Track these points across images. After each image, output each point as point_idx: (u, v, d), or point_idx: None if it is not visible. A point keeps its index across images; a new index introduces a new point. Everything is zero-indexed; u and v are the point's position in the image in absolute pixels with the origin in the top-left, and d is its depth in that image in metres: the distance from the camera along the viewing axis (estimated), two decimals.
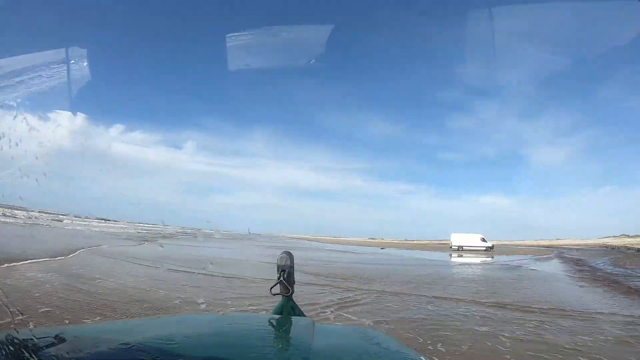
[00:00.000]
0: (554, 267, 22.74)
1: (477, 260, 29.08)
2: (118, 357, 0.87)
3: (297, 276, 1.99)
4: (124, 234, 32.83)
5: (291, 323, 1.50)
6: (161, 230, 52.91)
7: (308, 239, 67.84)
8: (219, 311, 5.64)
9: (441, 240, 60.94)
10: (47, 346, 0.83)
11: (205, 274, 10.81)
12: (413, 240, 67.28)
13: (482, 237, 43.26)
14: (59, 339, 0.88)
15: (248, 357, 0.96)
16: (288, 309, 1.81)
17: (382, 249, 44.77)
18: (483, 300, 8.88)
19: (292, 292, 1.86)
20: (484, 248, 42.04)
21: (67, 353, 0.82)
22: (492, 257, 31.85)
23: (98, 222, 47.60)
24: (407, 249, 46.86)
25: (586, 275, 16.82)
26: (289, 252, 1.94)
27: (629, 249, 38.80)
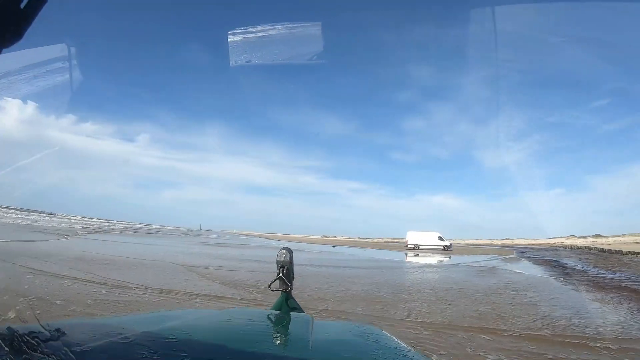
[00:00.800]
0: (531, 269, 18.87)
1: (441, 261, 24.97)
2: (118, 351, 0.87)
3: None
4: (52, 228, 29.28)
5: (290, 319, 1.51)
6: (106, 225, 48.80)
7: (259, 236, 64.44)
8: (218, 306, 5.24)
9: (394, 239, 59.68)
10: (47, 340, 0.82)
11: (72, 277, 8.14)
12: (366, 239, 67.76)
13: (440, 235, 39.74)
14: (59, 333, 0.86)
15: (247, 353, 0.96)
16: (287, 304, 1.81)
17: (333, 247, 40.10)
18: (500, 330, 5.87)
19: (291, 288, 1.86)
20: (442, 247, 38.42)
21: (67, 347, 0.80)
22: (450, 257, 28.16)
23: (38, 216, 44.15)
24: (360, 247, 42.38)
25: (582, 280, 13.91)
26: (289, 249, 1.96)
27: (591, 249, 36.77)
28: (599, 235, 61.95)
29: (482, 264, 21.38)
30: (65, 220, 49.70)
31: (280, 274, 1.88)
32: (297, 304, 1.91)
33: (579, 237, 64.77)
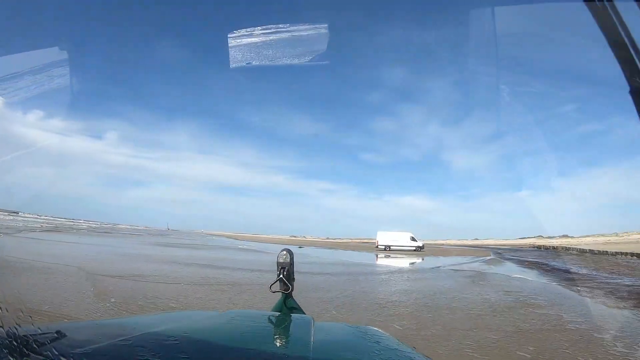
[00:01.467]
0: (526, 273, 15.76)
1: (416, 263, 21.66)
2: (118, 353, 0.87)
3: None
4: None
5: (291, 320, 1.52)
6: (68, 225, 46.32)
7: (228, 236, 61.72)
8: (218, 308, 5.00)
9: (363, 239, 56.79)
10: (47, 342, 0.82)
11: None
12: (335, 239, 65.52)
13: (412, 235, 36.80)
14: (60, 335, 0.86)
15: (248, 354, 0.96)
16: (288, 306, 1.80)
17: (299, 247, 36.16)
18: None
19: (292, 289, 1.84)
20: (414, 248, 35.46)
21: (68, 349, 0.81)
22: (425, 259, 25.06)
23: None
24: (329, 247, 38.77)
25: (599, 288, 10.84)
26: (289, 250, 1.93)
27: (569, 249, 34.89)
28: (566, 236, 61.81)
29: (465, 267, 18.25)
30: (26, 219, 47.22)
31: (281, 275, 1.84)
32: (298, 305, 1.86)
33: (547, 238, 64.69)
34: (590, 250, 30.26)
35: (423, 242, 36.85)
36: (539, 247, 46.26)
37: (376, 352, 1.08)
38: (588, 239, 56.07)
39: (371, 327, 1.43)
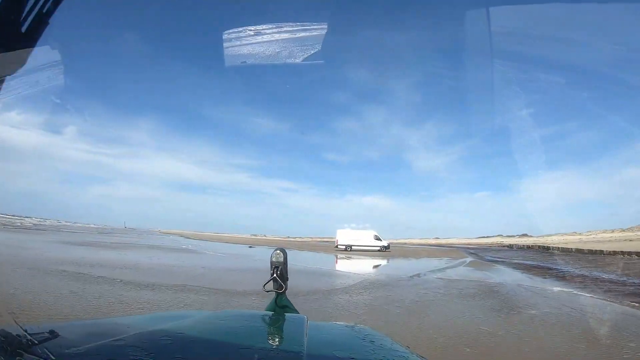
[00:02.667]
0: (544, 282, 10.83)
1: (386, 268, 16.52)
2: (111, 352, 0.86)
3: None
4: None
5: (284, 319, 1.52)
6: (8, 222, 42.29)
7: (181, 235, 57.46)
8: (212, 308, 4.89)
9: (323, 238, 53.77)
10: (41, 342, 0.82)
11: None
12: (295, 238, 63.53)
13: (376, 234, 31.96)
14: (53, 334, 0.86)
15: (242, 354, 0.94)
16: (281, 305, 1.79)
17: (250, 247, 30.93)
18: None
19: (286, 288, 1.83)
20: (378, 248, 30.56)
21: (61, 348, 0.81)
22: (391, 261, 20.43)
23: None
24: (284, 247, 32.90)
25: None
26: (283, 249, 1.90)
27: (548, 248, 31.33)
28: (525, 235, 62.37)
29: (452, 273, 13.39)
30: None
31: (275, 275, 1.80)
32: (291, 305, 1.85)
33: (506, 237, 64.78)
34: (577, 249, 26.62)
35: (388, 242, 31.98)
36: (509, 247, 43.41)
37: (370, 351, 1.10)
38: (552, 237, 55.63)
39: (365, 327, 1.44)
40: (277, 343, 1.15)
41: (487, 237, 68.55)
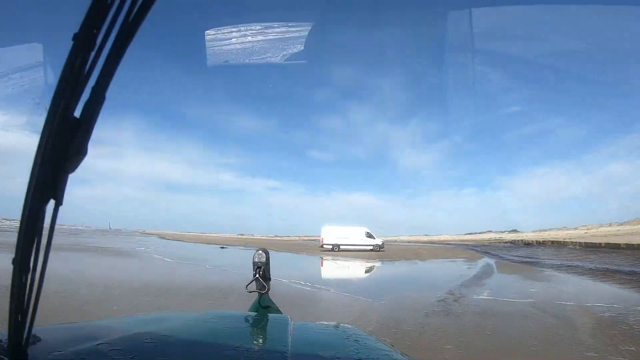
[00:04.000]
0: None
1: (394, 277, 11.65)
2: (94, 356, 0.84)
3: None
4: None
5: (268, 320, 1.51)
6: None
7: (162, 235, 55.86)
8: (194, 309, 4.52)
9: (310, 236, 52.70)
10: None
11: None
12: (282, 237, 65.17)
13: (368, 230, 27.11)
14: (34, 338, 0.82)
15: (226, 355, 0.93)
16: (264, 305, 1.80)
17: (221, 247, 26.85)
18: None
19: (268, 289, 1.84)
20: (371, 247, 25.74)
21: (43, 353, 0.80)
22: (395, 267, 16.25)
23: None
24: (259, 246, 27.88)
25: None
26: (265, 249, 1.92)
27: (564, 243, 26.96)
28: (515, 231, 61.20)
29: (498, 287, 8.62)
30: None
31: (257, 275, 1.83)
32: (275, 305, 1.85)
33: (496, 232, 65.33)
34: (625, 244, 22.19)
35: (382, 240, 27.06)
36: (513, 243, 39.52)
37: (355, 350, 1.09)
38: (549, 232, 53.76)
39: (350, 326, 1.42)
40: (261, 344, 1.14)
41: (476, 233, 69.45)
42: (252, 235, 76.50)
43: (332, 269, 14.75)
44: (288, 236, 67.48)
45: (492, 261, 17.12)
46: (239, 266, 11.79)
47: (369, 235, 26.24)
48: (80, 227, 71.95)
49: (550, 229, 60.18)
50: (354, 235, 25.85)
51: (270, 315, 1.62)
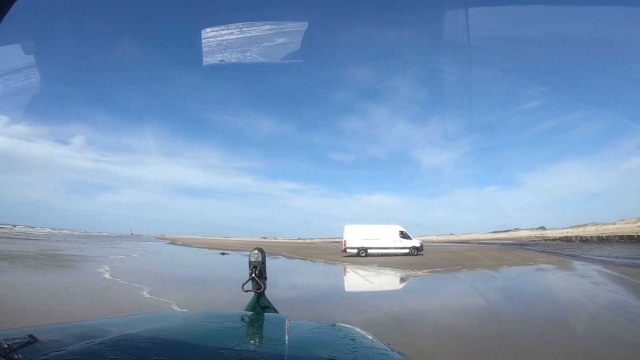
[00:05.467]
0: None
1: (497, 318, 6.24)
2: (92, 354, 0.85)
3: None
4: None
5: (264, 319, 1.51)
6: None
7: (176, 240, 53.47)
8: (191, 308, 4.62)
9: (333, 238, 49.48)
10: (20, 346, 0.82)
11: None
12: (304, 239, 64.36)
13: (402, 229, 21.47)
14: (32, 339, 0.86)
15: (222, 354, 0.95)
16: (261, 305, 1.80)
17: (222, 254, 22.88)
18: None
19: (264, 288, 1.83)
20: (407, 250, 20.59)
21: (40, 353, 0.81)
22: (436, 274, 12.18)
23: None
24: (273, 254, 23.37)
25: None
26: (261, 249, 1.90)
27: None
28: (543, 228, 60.66)
29: None
30: None
31: (253, 275, 1.81)
32: (271, 304, 1.85)
33: (523, 230, 64.66)
34: None
35: (420, 241, 21.67)
36: (558, 240, 34.13)
37: (352, 349, 1.09)
38: (587, 228, 50.29)
39: (346, 325, 1.43)
40: (258, 343, 1.14)
41: (502, 231, 67.44)
42: (275, 238, 76.21)
43: (360, 290, 9.74)
44: (311, 238, 66.61)
45: (599, 268, 11.68)
46: (216, 296, 7.14)
47: (404, 235, 20.94)
48: (105, 234, 74.24)
49: (582, 225, 55.74)
50: (385, 236, 20.62)
51: (267, 314, 1.64)
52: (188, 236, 71.90)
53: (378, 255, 20.05)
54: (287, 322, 1.31)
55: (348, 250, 20.40)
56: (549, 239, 41.67)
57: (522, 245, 32.42)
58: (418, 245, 20.95)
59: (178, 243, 42.03)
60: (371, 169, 79.96)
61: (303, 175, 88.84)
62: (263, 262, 1.86)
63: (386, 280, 11.07)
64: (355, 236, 20.45)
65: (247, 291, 1.81)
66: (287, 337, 1.11)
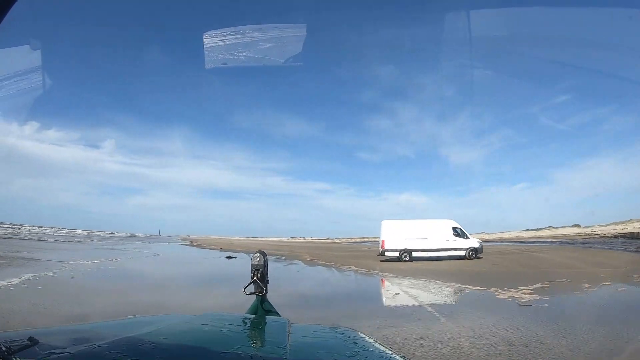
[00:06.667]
0: None
1: None
2: (91, 358, 0.85)
3: None
4: None
5: (266, 322, 1.51)
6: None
7: (195, 241, 52.23)
8: (193, 311, 3.41)
9: (363, 238, 49.87)
10: (19, 349, 0.80)
11: None
12: (333, 239, 62.53)
13: (456, 224, 16.66)
14: (32, 341, 0.83)
15: (224, 357, 0.93)
16: (263, 308, 1.77)
17: (228, 257, 19.59)
18: None
19: (266, 291, 1.81)
20: (464, 252, 15.96)
21: (40, 355, 0.80)
22: (536, 292, 7.97)
23: None
24: (293, 257, 19.57)
25: None
26: (263, 252, 1.88)
27: None
28: (577, 225, 56.45)
29: None
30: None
31: (255, 278, 1.79)
32: (273, 308, 1.83)
33: (556, 228, 60.15)
34: None
35: (479, 240, 17.04)
36: (627, 235, 29.71)
37: (354, 352, 1.08)
38: (627, 224, 45.33)
39: (348, 329, 1.41)
40: (259, 346, 1.13)
41: (543, 228, 62.46)
42: (304, 238, 74.84)
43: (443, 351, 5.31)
44: (340, 238, 64.75)
45: None
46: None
47: (459, 233, 16.35)
48: (136, 235, 78.50)
49: (628, 221, 50.95)
50: (434, 234, 16.11)
51: (269, 317, 1.63)
52: (215, 237, 72.56)
53: (425, 259, 15.67)
54: (288, 326, 1.29)
55: (387, 253, 16.03)
56: (606, 236, 36.78)
57: (585, 243, 27.32)
58: (477, 245, 16.38)
59: (195, 244, 39.53)
60: (399, 167, 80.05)
61: (332, 175, 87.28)
62: (265, 265, 1.83)
63: (482, 322, 6.41)
64: (396, 235, 16.04)
65: (249, 294, 1.79)
66: (288, 341, 1.08)
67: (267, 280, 1.83)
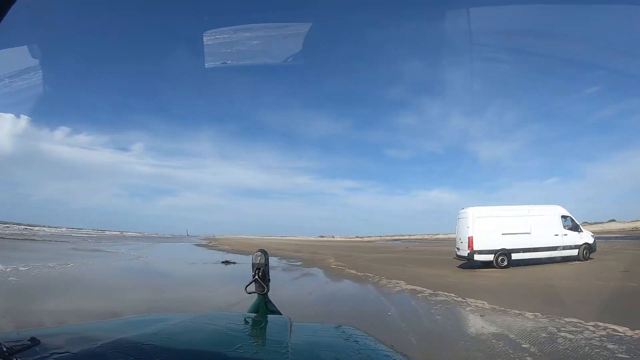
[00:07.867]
0: None
1: None
2: (93, 357, 0.84)
3: None
4: None
5: (268, 321, 1.47)
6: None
7: (217, 240, 51.50)
8: (195, 310, 3.43)
9: (393, 235, 51.74)
10: (22, 349, 0.79)
11: None
12: (363, 238, 63.35)
13: (565, 212, 11.75)
14: (34, 341, 0.82)
15: (226, 356, 0.92)
16: (264, 307, 1.75)
17: (224, 263, 14.70)
18: None
19: (268, 290, 1.79)
20: (576, 251, 11.30)
21: (43, 355, 0.79)
22: None
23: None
24: (313, 263, 14.92)
25: None
26: (264, 250, 1.84)
27: None
28: (614, 220, 52.19)
29: None
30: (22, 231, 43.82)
31: (256, 277, 1.77)
32: (274, 306, 1.80)
33: (592, 224, 57.90)
34: None
35: (592, 233, 12.24)
36: None
37: (355, 350, 1.06)
38: None
39: (349, 327, 1.38)
40: (261, 345, 1.11)
41: (588, 224, 59.90)
42: (333, 236, 76.65)
43: None
44: (369, 236, 65.52)
45: None
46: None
47: (570, 225, 11.52)
48: (165, 235, 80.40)
49: None
50: (539, 226, 11.14)
51: (270, 316, 1.61)
52: (242, 236, 72.35)
53: (525, 263, 10.75)
54: (290, 324, 1.26)
55: (477, 257, 10.90)
56: None
57: None
58: (591, 241, 11.60)
59: (210, 245, 36.15)
60: (428, 164, 79.25)
61: (360, 173, 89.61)
62: (266, 264, 1.81)
63: None
64: (488, 229, 10.99)
65: (250, 293, 1.77)
66: (290, 339, 1.07)
67: (269, 279, 1.80)
